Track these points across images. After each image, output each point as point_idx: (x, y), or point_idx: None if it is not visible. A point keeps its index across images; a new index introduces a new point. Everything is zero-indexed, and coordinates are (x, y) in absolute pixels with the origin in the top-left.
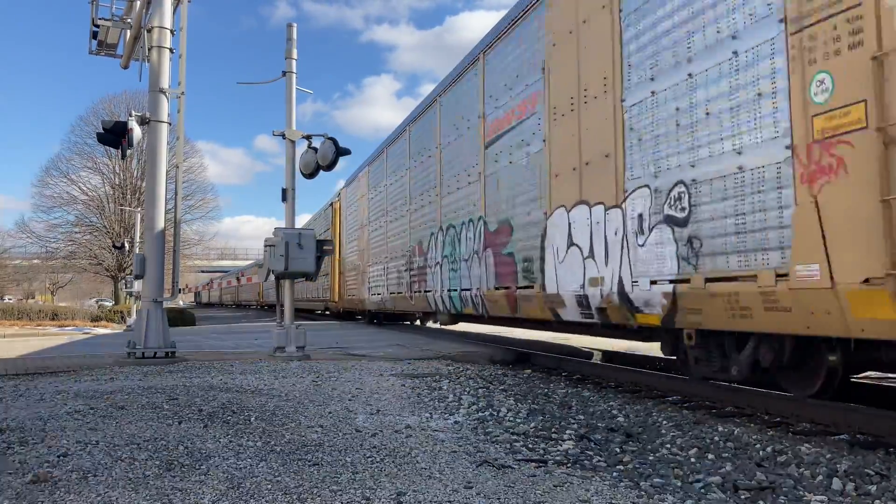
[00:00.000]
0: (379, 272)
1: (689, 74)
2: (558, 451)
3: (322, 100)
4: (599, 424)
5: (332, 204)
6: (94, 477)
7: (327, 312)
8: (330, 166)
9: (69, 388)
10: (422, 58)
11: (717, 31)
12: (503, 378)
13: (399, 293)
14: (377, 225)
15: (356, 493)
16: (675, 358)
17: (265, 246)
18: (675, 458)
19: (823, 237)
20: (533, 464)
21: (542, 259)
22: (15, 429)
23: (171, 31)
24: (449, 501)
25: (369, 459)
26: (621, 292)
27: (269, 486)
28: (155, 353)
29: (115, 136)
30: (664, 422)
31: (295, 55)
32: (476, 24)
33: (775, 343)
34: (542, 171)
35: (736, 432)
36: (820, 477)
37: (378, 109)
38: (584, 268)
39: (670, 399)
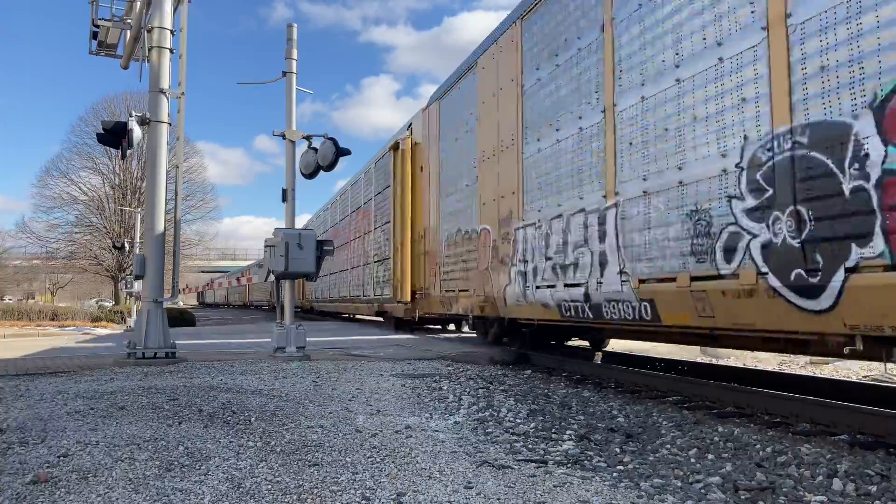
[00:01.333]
0: (588, 231)
1: None
2: (558, 451)
3: (321, 100)
4: (599, 425)
5: (394, 147)
6: (95, 477)
7: (378, 318)
8: (330, 166)
9: (69, 389)
10: (420, 59)
11: None
12: (503, 378)
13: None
14: (592, 116)
15: (356, 494)
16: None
17: (265, 246)
18: (675, 459)
19: None
20: (533, 464)
21: None
22: (15, 429)
23: (172, 32)
24: (449, 502)
25: (369, 460)
26: None
27: (269, 487)
28: (155, 353)
29: (115, 136)
30: (664, 422)
31: (295, 55)
32: (475, 25)
33: None
34: None
35: (736, 432)
36: (820, 477)
37: (377, 110)
38: None
39: (670, 399)
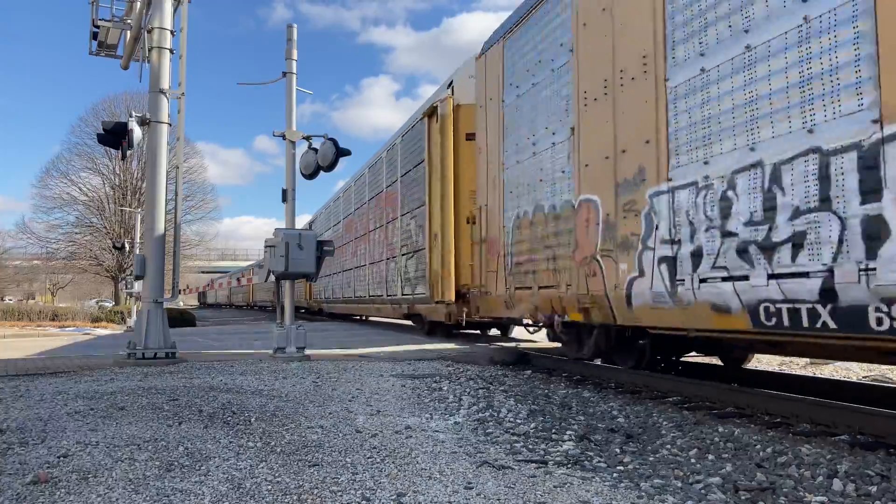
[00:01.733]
0: (830, 183)
1: None
2: (558, 451)
3: (320, 101)
4: (599, 425)
5: (429, 112)
6: (95, 478)
7: (405, 322)
8: (330, 167)
9: (69, 389)
10: (420, 59)
11: None
12: (503, 379)
13: None
14: None
15: (356, 494)
16: None
17: (265, 246)
18: (676, 459)
19: None
20: (533, 464)
21: None
22: (15, 429)
23: (172, 32)
24: (449, 502)
25: (369, 460)
26: None
27: (270, 487)
28: (155, 353)
29: (115, 136)
30: (664, 422)
31: (295, 56)
32: (474, 26)
33: None
34: None
35: (736, 433)
36: (820, 478)
37: (377, 110)
38: None
39: (670, 399)
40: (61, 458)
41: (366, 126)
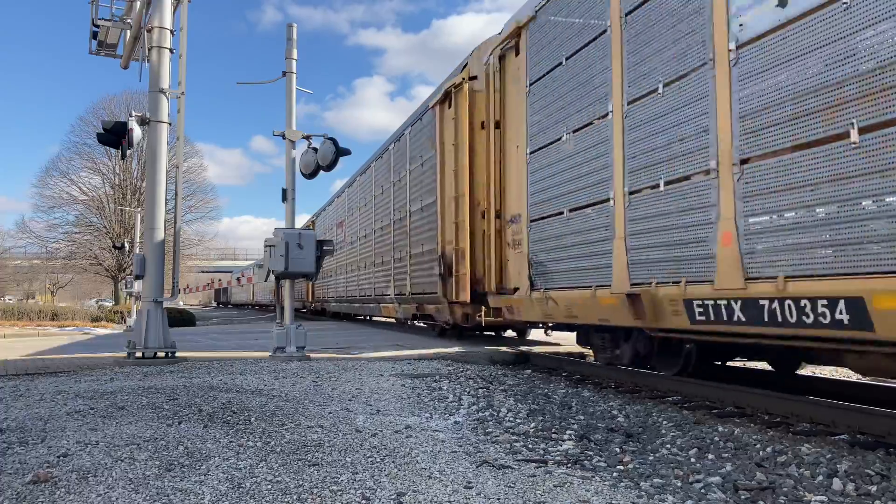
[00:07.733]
0: None
1: None
2: (558, 451)
3: (315, 101)
4: (599, 425)
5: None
6: (94, 477)
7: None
8: (330, 166)
9: (69, 389)
10: (412, 61)
11: None
12: (503, 378)
13: None
14: None
15: (356, 494)
16: None
17: (265, 246)
18: (676, 459)
19: None
20: (533, 464)
21: None
22: (15, 429)
23: (171, 32)
24: (449, 502)
25: (369, 460)
26: None
27: (269, 487)
28: (155, 353)
29: (115, 136)
30: (664, 422)
31: (295, 55)
32: (465, 29)
33: None
34: None
35: (736, 432)
36: (820, 477)
37: (372, 110)
38: None
39: (670, 399)
40: (61, 458)
41: (361, 126)
